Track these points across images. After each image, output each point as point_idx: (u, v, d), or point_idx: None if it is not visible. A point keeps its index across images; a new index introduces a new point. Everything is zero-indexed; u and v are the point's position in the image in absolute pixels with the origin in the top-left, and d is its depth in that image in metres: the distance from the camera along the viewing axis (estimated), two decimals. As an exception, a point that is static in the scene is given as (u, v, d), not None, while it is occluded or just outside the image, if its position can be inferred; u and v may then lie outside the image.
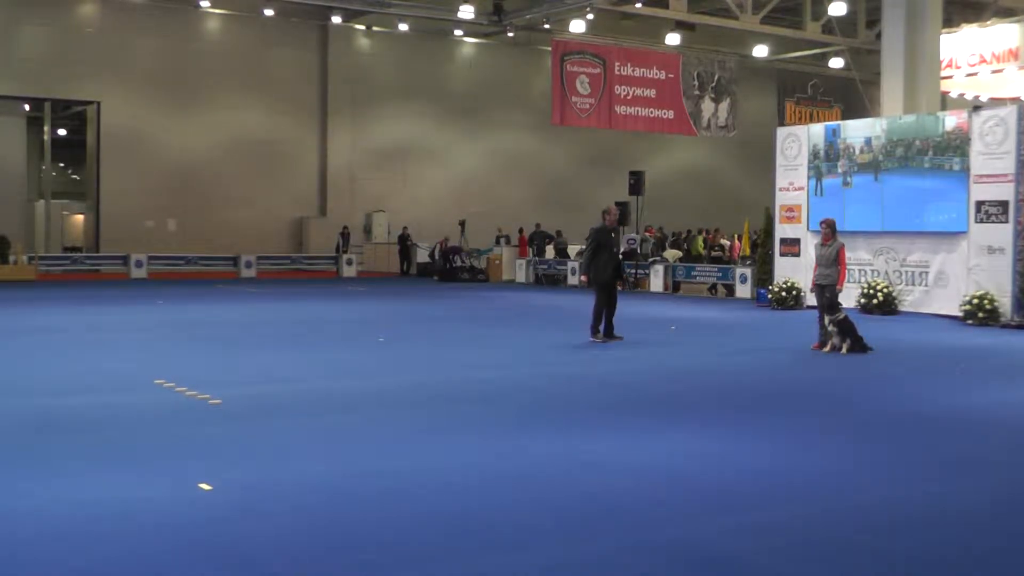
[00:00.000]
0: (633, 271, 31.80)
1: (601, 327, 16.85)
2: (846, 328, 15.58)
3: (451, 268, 37.39)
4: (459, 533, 6.00)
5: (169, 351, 15.21)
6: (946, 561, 5.70)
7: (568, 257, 37.17)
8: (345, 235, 41.38)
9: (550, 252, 38.12)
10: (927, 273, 22.47)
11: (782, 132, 26.19)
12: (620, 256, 17.35)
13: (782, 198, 25.56)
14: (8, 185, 38.91)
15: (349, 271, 40.13)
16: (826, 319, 15.84)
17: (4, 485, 7.04)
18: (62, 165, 52.95)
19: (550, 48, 36.47)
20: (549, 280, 35.82)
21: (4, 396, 10.79)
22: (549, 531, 6.07)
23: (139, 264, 37.13)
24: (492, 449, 8.36)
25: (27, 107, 41.09)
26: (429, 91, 45.13)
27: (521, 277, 37.03)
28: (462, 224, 39.97)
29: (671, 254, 34.37)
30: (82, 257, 38.65)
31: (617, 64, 35.64)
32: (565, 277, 35.27)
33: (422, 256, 41.02)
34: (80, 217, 45.88)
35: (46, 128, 41.92)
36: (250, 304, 25.35)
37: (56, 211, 44.00)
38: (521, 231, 39.90)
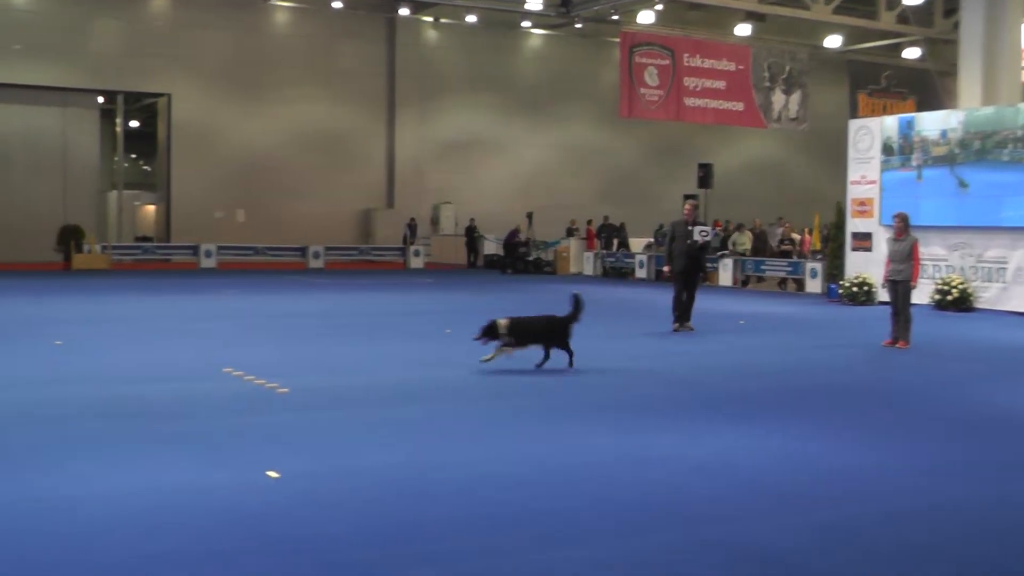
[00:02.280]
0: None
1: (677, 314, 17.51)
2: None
3: (516, 259, 37.38)
4: (518, 527, 6.00)
5: (238, 340, 15.34)
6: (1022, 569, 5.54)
7: (628, 249, 37.06)
8: (412, 226, 41.55)
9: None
10: (1005, 269, 22.03)
11: (854, 124, 25.83)
12: (698, 247, 17.42)
13: (854, 191, 25.22)
14: (82, 176, 39.52)
15: (416, 262, 40.28)
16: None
17: (77, 471, 7.14)
18: (134, 156, 53.72)
19: (618, 39, 36.30)
20: (617, 273, 35.68)
21: (78, 383, 10.97)
22: (607, 527, 6.03)
23: (208, 254, 37.62)
24: (556, 443, 8.31)
25: (101, 99, 41.68)
26: (496, 83, 45.15)
27: (589, 270, 36.92)
28: (529, 216, 39.97)
29: (741, 239, 33.88)
30: (153, 247, 39.32)
31: (686, 55, 35.37)
32: (633, 270, 35.17)
33: (489, 248, 41.09)
34: (151, 207, 46.58)
35: (118, 120, 42.61)
36: (318, 295, 25.49)
37: (128, 201, 44.66)
38: (589, 223, 39.77)
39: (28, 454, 7.68)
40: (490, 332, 12.10)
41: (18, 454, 7.69)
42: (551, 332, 12.27)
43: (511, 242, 38.38)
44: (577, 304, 12.38)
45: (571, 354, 12.42)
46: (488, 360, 12.20)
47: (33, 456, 7.60)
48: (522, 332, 12.18)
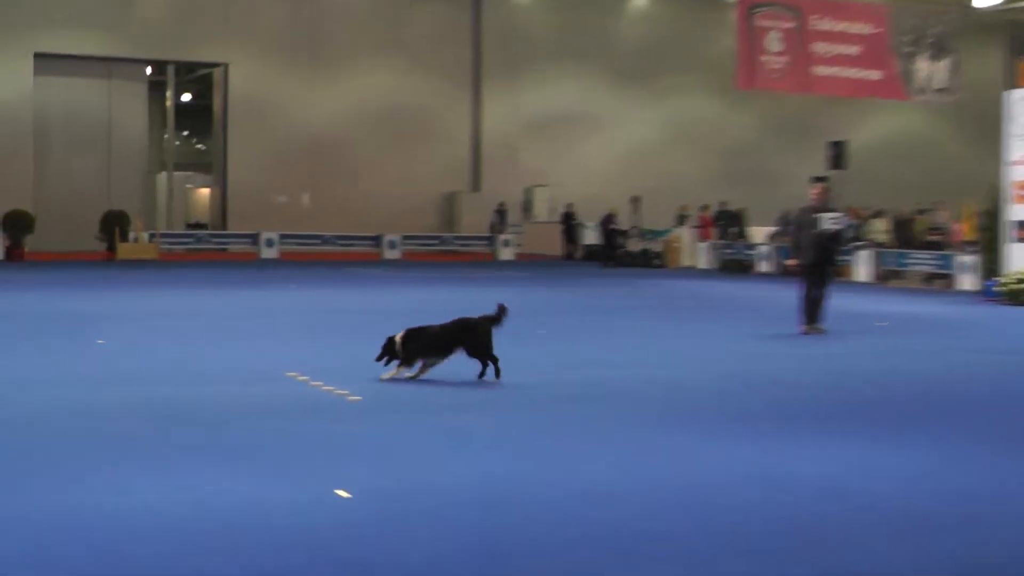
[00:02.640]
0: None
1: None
2: None
3: (614, 251, 37.35)
4: (613, 551, 5.97)
5: (303, 341, 15.46)
6: None
7: (748, 239, 36.81)
8: (501, 213, 41.62)
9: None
10: None
11: (1014, 95, 25.25)
12: (829, 237, 17.17)
13: (1014, 173, 24.66)
14: (128, 155, 40.22)
15: (506, 254, 40.38)
16: None
17: (124, 482, 7.21)
18: (186, 134, 54.66)
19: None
20: (736, 267, 35.39)
21: (123, 385, 11.14)
22: (721, 552, 6.01)
23: (270, 243, 38.10)
24: (661, 456, 8.33)
25: (149, 71, 42.37)
26: (597, 51, 45.04)
27: (703, 263, 36.73)
28: (635, 202, 39.74)
29: (876, 226, 33.35)
30: (207, 235, 39.99)
31: (814, 17, 34.84)
32: (754, 263, 34.85)
33: (590, 237, 41.00)
34: (205, 191, 47.31)
35: (169, 93, 43.28)
36: (394, 289, 25.72)
37: (179, 184, 45.33)
38: (704, 209, 39.38)
39: (70, 461, 7.81)
40: (388, 350, 11.52)
41: (59, 461, 7.81)
42: (463, 339, 11.53)
43: (607, 229, 38.27)
44: (501, 309, 11.65)
45: (489, 364, 11.60)
46: (389, 378, 11.52)
47: (75, 464, 7.72)
48: (423, 345, 11.53)
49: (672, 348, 15.55)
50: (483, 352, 11.56)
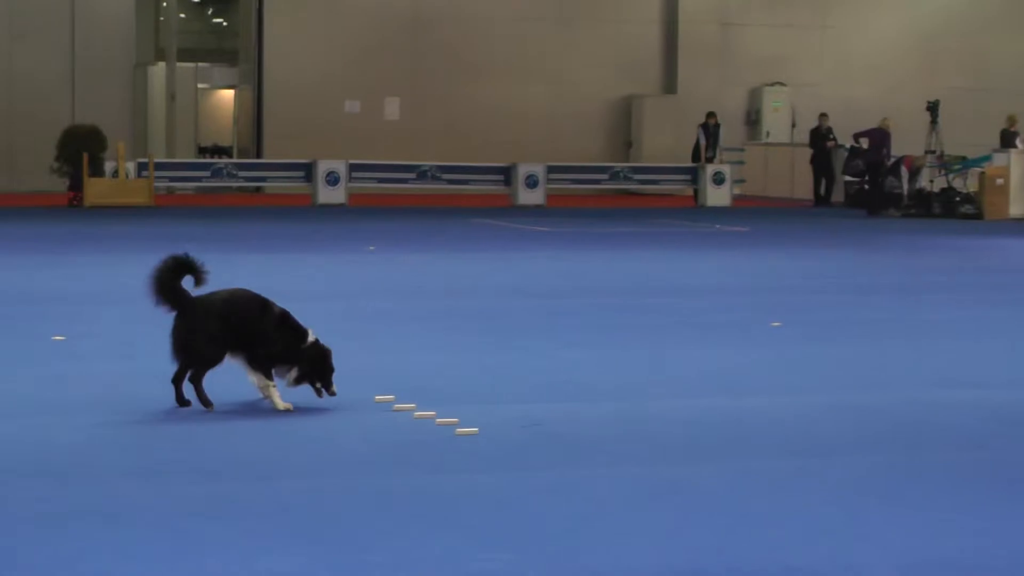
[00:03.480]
0: None
1: None
2: None
3: (881, 189, 37.11)
4: None
5: (390, 338, 15.51)
6: None
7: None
8: (710, 129, 41.18)
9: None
10: None
11: None
12: None
13: None
14: (104, 38, 40.55)
15: (718, 195, 40.09)
16: None
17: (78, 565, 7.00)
18: (197, 1, 55.14)
19: None
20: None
21: (94, 409, 11.08)
22: None
23: (333, 179, 38.08)
24: (994, 529, 8.24)
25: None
26: None
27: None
28: (932, 109, 39.12)
29: None
30: (231, 165, 40.05)
31: None
32: None
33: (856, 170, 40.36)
34: (228, 94, 48.03)
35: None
36: (532, 254, 25.77)
37: (187, 83, 45.63)
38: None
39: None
40: None
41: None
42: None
43: (875, 159, 38.01)
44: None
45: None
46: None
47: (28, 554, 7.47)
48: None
49: (981, 356, 15.34)
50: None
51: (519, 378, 13.05)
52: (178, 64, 44.17)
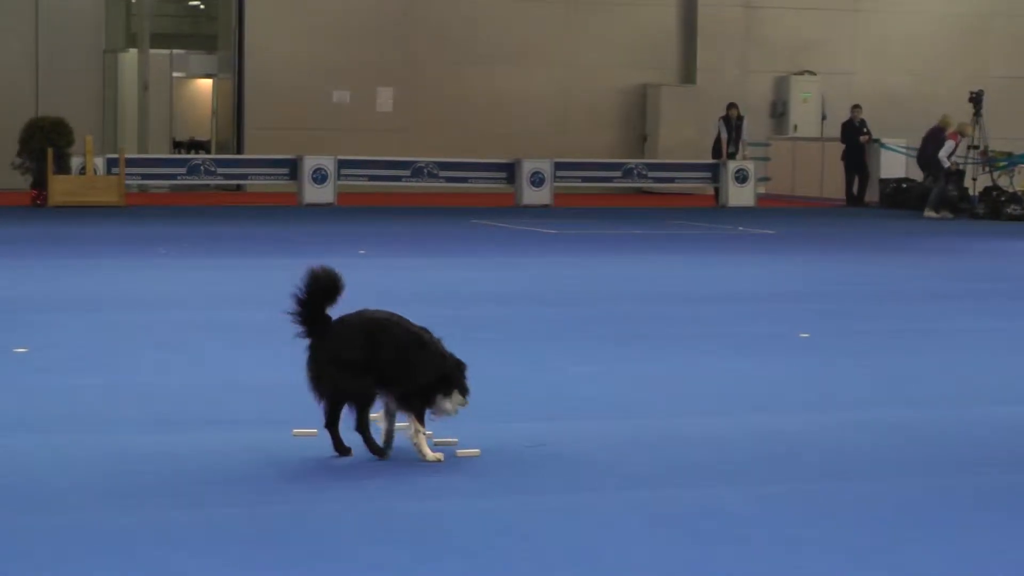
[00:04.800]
0: None
1: None
2: None
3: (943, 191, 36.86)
4: None
5: None
6: None
7: None
8: (732, 121, 41.18)
9: None
10: None
11: None
12: None
13: None
14: (70, 22, 40.45)
15: (740, 194, 40.04)
16: None
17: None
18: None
19: None
20: None
21: (64, 428, 11.08)
22: None
23: (320, 176, 38.02)
24: None
25: None
26: None
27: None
28: (976, 99, 38.96)
29: None
30: (209, 162, 39.93)
31: None
32: None
33: (891, 164, 40.56)
34: (206, 83, 48.00)
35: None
36: (539, 257, 25.81)
37: (161, 71, 45.58)
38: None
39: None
40: None
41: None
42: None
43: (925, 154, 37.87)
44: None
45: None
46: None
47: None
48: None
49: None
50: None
51: (524, 394, 13.02)
52: (151, 51, 44.09)
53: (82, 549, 8.19)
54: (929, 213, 36.11)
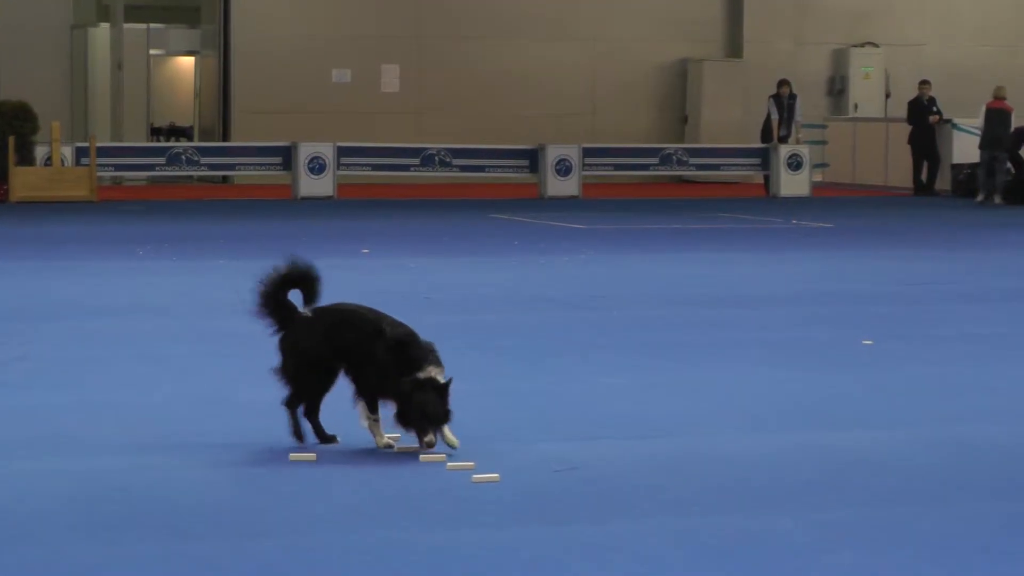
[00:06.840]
0: None
1: None
2: None
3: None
4: None
5: None
6: None
7: None
8: (784, 101, 41.23)
9: None
10: None
11: None
12: None
13: None
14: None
15: (794, 182, 40.15)
16: None
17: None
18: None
19: None
20: None
21: (30, 454, 11.08)
22: None
23: (317, 166, 38.16)
24: None
25: None
26: None
27: None
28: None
29: None
30: (192, 150, 40.01)
31: None
32: None
33: (965, 148, 40.41)
34: (187, 62, 48.17)
35: None
36: (566, 256, 25.80)
37: (136, 48, 45.78)
38: None
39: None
40: None
41: None
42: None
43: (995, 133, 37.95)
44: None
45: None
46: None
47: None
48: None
49: None
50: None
51: (549, 410, 13.02)
52: (125, 25, 44.22)
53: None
54: (996, 200, 36.23)
